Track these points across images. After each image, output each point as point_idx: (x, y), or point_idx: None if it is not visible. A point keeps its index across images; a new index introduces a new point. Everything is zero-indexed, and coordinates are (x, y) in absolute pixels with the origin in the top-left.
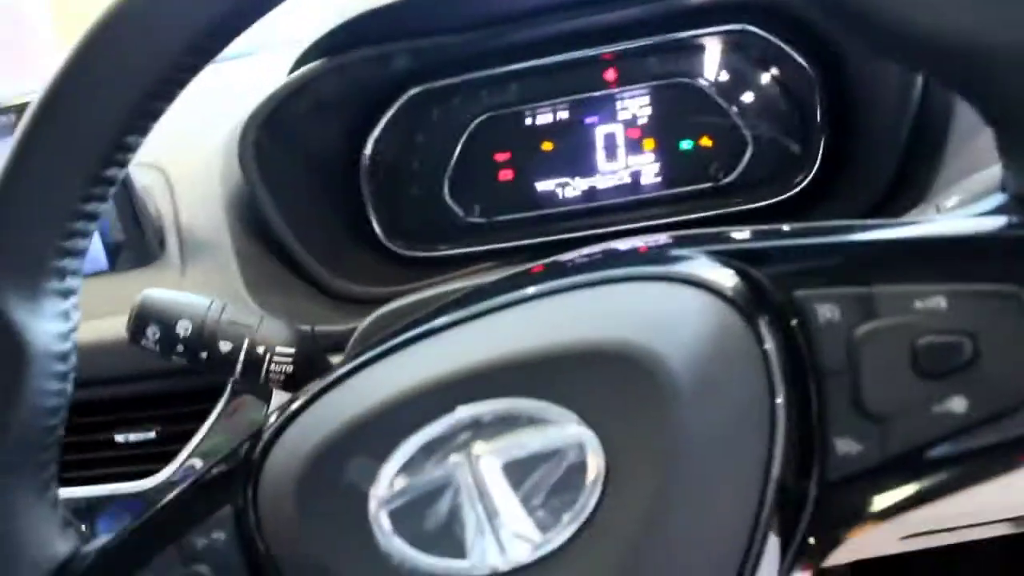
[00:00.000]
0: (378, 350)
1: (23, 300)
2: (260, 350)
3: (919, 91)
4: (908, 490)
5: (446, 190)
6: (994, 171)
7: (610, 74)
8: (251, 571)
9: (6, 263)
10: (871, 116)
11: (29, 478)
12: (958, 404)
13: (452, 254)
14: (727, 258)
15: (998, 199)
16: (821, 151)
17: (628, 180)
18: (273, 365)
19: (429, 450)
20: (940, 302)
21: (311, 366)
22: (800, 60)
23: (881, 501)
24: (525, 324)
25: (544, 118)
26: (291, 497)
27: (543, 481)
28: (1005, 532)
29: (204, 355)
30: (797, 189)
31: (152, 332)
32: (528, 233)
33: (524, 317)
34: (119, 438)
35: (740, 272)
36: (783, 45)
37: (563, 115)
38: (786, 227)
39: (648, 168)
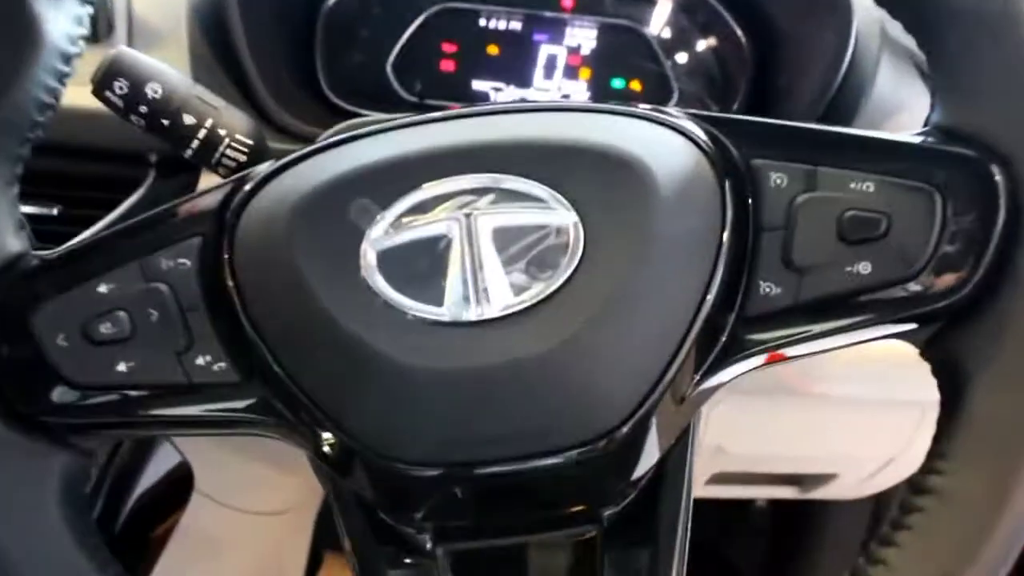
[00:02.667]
0: (398, 121)
1: None
2: (221, 132)
3: (833, 91)
4: (805, 330)
5: (390, 64)
6: None
7: (567, 1)
8: (207, 298)
9: None
10: (788, 100)
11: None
12: (864, 267)
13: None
14: (703, 121)
15: (924, 128)
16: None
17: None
18: (229, 150)
19: (429, 205)
20: (869, 186)
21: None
22: (740, 35)
23: (780, 337)
24: (539, 122)
25: (497, 23)
26: (285, 226)
27: (526, 252)
28: (790, 496)
29: (165, 122)
30: None
31: (119, 86)
32: None
33: (540, 118)
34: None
35: (711, 134)
36: (728, 17)
37: (515, 25)
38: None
39: (578, 95)
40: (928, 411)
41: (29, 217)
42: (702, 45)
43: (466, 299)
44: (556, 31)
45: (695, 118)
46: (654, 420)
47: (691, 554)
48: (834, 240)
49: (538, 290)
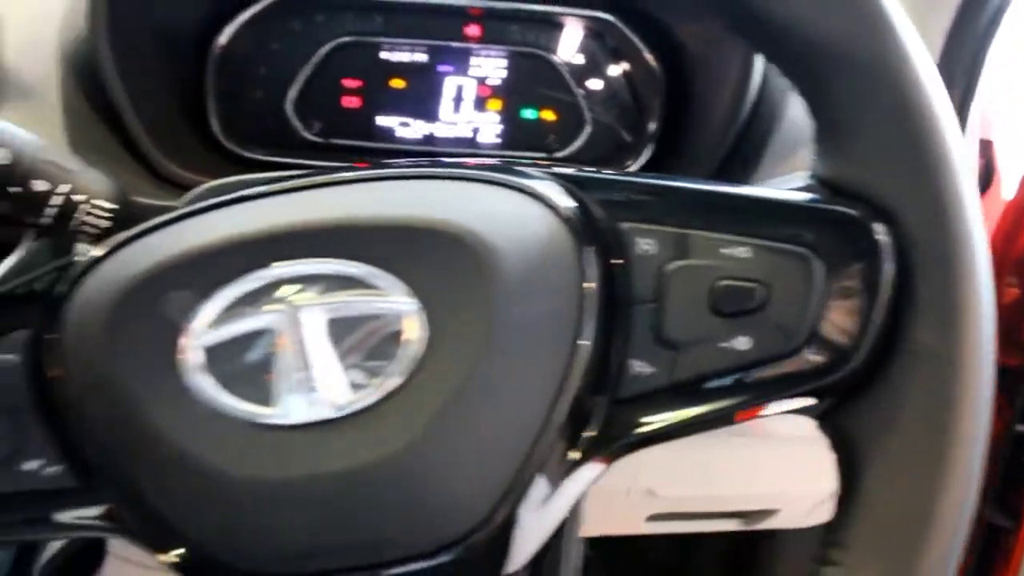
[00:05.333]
0: (216, 200)
1: None
2: (78, 197)
3: (748, 110)
4: (684, 413)
5: (289, 102)
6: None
7: (473, 30)
8: (34, 395)
9: None
10: (700, 125)
11: None
12: (741, 343)
13: (285, 162)
14: (565, 181)
15: (806, 179)
16: (653, 144)
17: (467, 135)
18: (89, 216)
19: (254, 296)
20: (742, 252)
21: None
22: (651, 60)
23: (659, 421)
24: (375, 196)
25: (400, 56)
26: (103, 322)
27: (362, 343)
28: (735, 528)
29: (16, 190)
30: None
31: None
32: (359, 161)
33: (370, 191)
34: None
35: (574, 195)
36: (639, 43)
37: (419, 57)
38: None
39: (488, 128)
40: None
41: None
42: (614, 71)
43: (299, 400)
44: (462, 62)
45: (556, 177)
46: (521, 516)
47: None
48: (707, 313)
49: (377, 388)
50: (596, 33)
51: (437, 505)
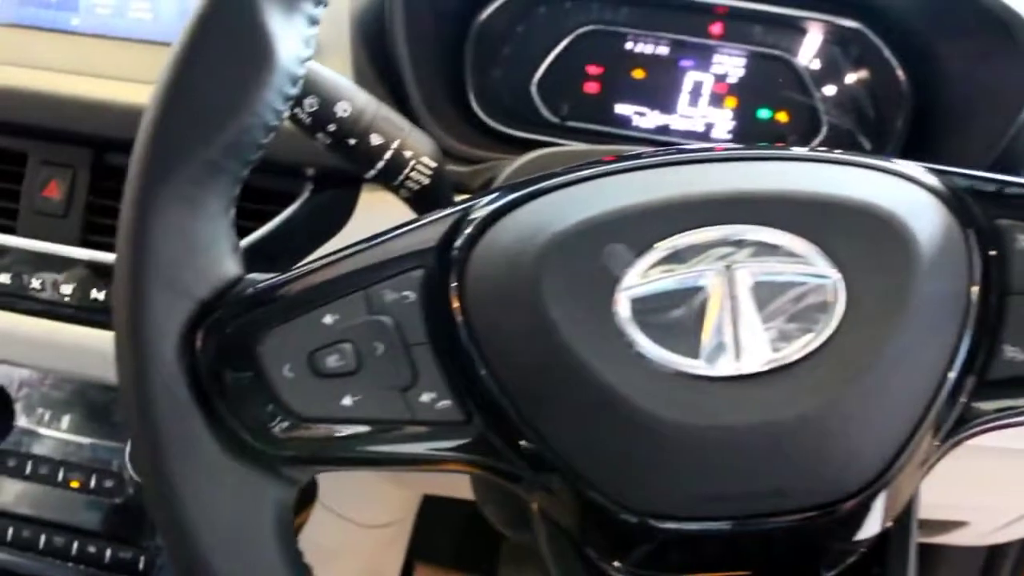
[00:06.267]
0: (635, 163)
1: (280, 12)
2: (407, 154)
3: (1007, 139)
4: None
5: (534, 83)
6: None
7: (716, 28)
8: (432, 333)
9: None
10: (954, 144)
11: (223, 187)
12: None
13: (537, 140)
14: (944, 176)
15: None
16: (897, 154)
17: (701, 128)
18: (413, 172)
19: (684, 255)
20: None
21: (440, 188)
22: (898, 72)
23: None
24: (797, 173)
25: (643, 47)
26: (532, 264)
27: (786, 307)
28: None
29: (352, 141)
30: None
31: (310, 104)
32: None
33: (795, 167)
34: None
35: (952, 190)
36: (888, 53)
37: (661, 50)
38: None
39: (723, 124)
40: None
41: None
42: (856, 79)
43: (724, 354)
44: (703, 58)
45: (935, 173)
46: (893, 484)
47: None
48: None
49: (797, 348)
50: (841, 40)
51: (837, 463)
